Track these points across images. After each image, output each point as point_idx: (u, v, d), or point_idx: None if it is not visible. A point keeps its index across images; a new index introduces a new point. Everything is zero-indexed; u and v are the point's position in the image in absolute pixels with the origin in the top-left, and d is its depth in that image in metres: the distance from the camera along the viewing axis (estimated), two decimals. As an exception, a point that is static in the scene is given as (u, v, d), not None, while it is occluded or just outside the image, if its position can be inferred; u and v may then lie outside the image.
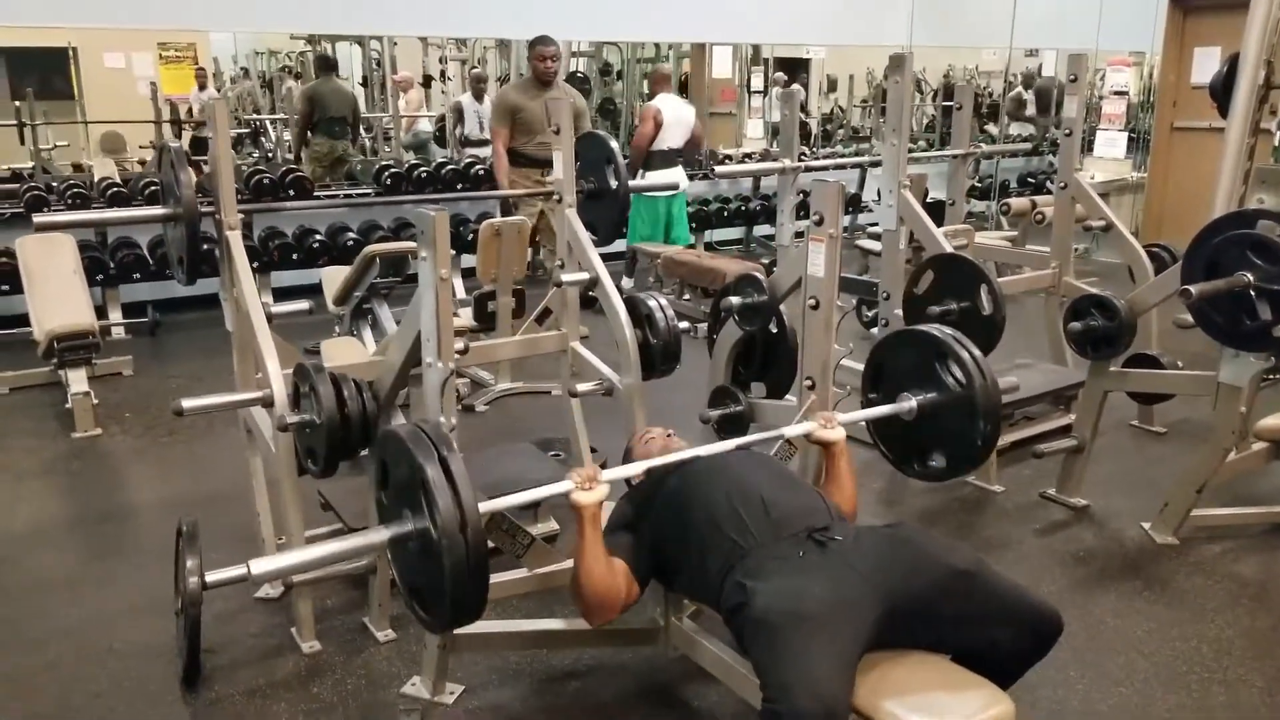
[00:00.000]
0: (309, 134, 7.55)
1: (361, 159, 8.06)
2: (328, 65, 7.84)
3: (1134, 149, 8.57)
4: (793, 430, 2.40)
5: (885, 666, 1.90)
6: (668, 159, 6.60)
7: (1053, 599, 2.07)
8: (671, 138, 6.60)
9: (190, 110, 8.20)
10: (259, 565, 1.82)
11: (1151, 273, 3.95)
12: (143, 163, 7.65)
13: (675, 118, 6.61)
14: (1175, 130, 7.92)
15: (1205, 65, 7.22)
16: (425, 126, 9.02)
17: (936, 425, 2.40)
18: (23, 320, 4.86)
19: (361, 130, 8.80)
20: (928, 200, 4.98)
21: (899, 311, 3.62)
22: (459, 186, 7.06)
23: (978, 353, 2.38)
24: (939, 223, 3.96)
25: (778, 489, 2.17)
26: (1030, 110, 10.80)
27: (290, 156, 7.72)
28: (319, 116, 7.47)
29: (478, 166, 7.12)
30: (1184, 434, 4.29)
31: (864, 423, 2.51)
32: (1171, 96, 7.93)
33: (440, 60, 9.15)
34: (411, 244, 3.18)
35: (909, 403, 2.41)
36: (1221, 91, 4.94)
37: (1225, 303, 2.99)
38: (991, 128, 10.81)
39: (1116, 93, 8.02)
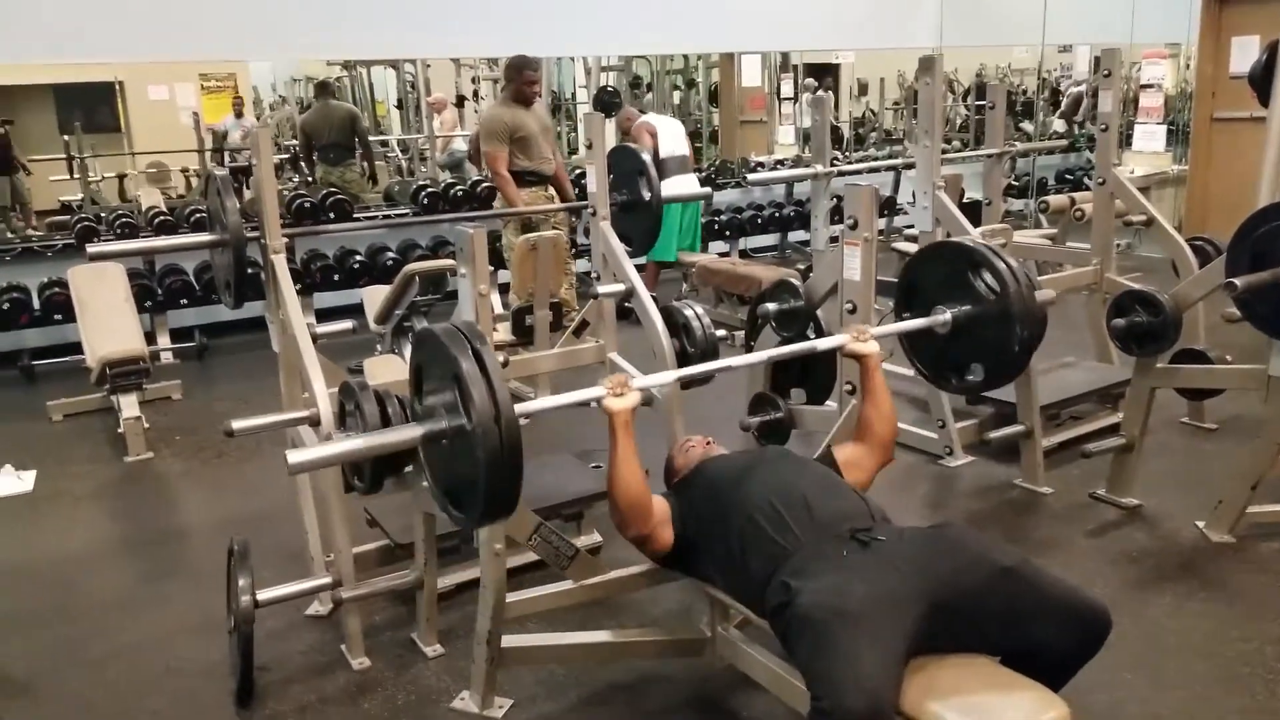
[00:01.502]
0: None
1: (400, 180, 8.15)
2: (323, 89, 7.77)
3: (1174, 142, 8.43)
4: (827, 343, 2.38)
5: (932, 670, 1.88)
6: (683, 165, 6.59)
7: (1105, 600, 2.02)
8: (676, 146, 6.58)
9: (221, 137, 8.34)
10: (296, 455, 1.79)
11: (1195, 266, 3.89)
12: (188, 190, 7.82)
13: (667, 130, 6.61)
14: (1215, 121, 7.77)
15: (1244, 54, 7.07)
16: (460, 146, 9.11)
17: (972, 337, 2.36)
18: (75, 348, 5.00)
19: (391, 149, 8.88)
20: (964, 200, 4.95)
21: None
22: (494, 204, 7.12)
23: (1012, 261, 2.35)
24: (976, 223, 3.93)
25: (820, 491, 2.17)
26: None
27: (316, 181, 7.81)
28: (314, 145, 7.43)
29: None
30: (1236, 430, 4.20)
31: (899, 337, 2.48)
32: (1210, 87, 7.79)
33: (473, 80, 9.25)
34: (449, 261, 3.22)
35: (943, 315, 2.38)
36: (1261, 80, 4.83)
37: (1272, 294, 2.92)
38: (1027, 125, 10.70)
39: (1152, 86, 7.90)
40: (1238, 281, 2.91)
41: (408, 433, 1.86)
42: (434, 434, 1.82)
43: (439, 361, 1.81)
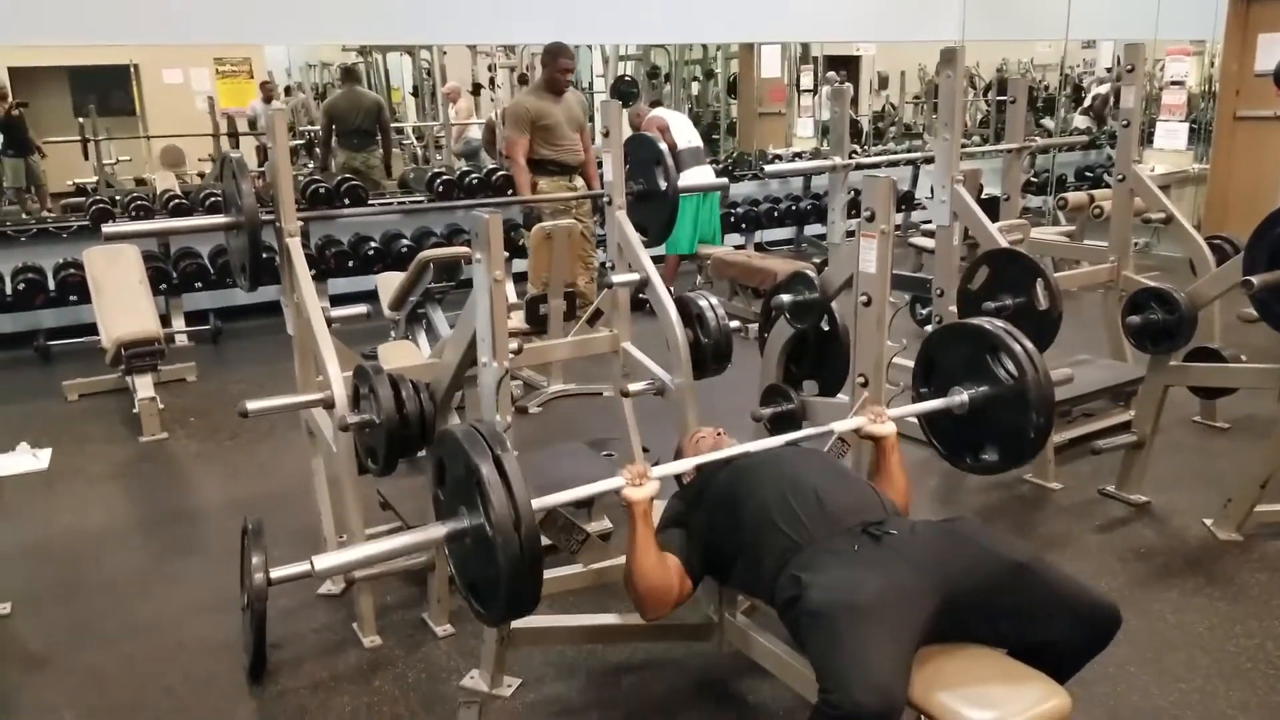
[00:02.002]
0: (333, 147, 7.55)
1: (415, 168, 8.17)
2: (350, 75, 7.78)
3: (1196, 140, 8.37)
4: (843, 425, 2.39)
5: (940, 660, 1.89)
6: (697, 156, 6.57)
7: (1113, 596, 2.04)
8: (690, 137, 6.57)
9: (251, 123, 8.36)
10: (322, 561, 1.86)
11: (1213, 265, 3.87)
12: (201, 175, 7.85)
13: (678, 123, 6.60)
14: (1238, 120, 7.72)
15: (1270, 52, 7.03)
16: (476, 134, 9.13)
17: (989, 419, 2.38)
18: (91, 329, 5.05)
19: (407, 137, 8.87)
20: (982, 196, 4.93)
21: (953, 308, 3.59)
22: (509, 192, 7.13)
23: (1030, 345, 2.36)
24: (994, 218, 3.92)
25: (831, 484, 2.17)
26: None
27: (335, 167, 7.83)
28: (339, 130, 7.45)
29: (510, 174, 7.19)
30: (1247, 429, 4.19)
31: (915, 418, 2.50)
32: (1234, 85, 7.73)
33: (489, 68, 9.25)
34: (464, 249, 3.23)
35: (960, 396, 2.39)
36: (1285, 78, 4.81)
37: (1289, 293, 2.92)
38: (1048, 121, 10.64)
39: (1175, 83, 7.84)
40: (1255, 280, 2.90)
41: (432, 533, 1.92)
42: (457, 533, 1.88)
43: (459, 462, 1.86)
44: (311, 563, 1.84)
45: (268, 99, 8.26)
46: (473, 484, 1.81)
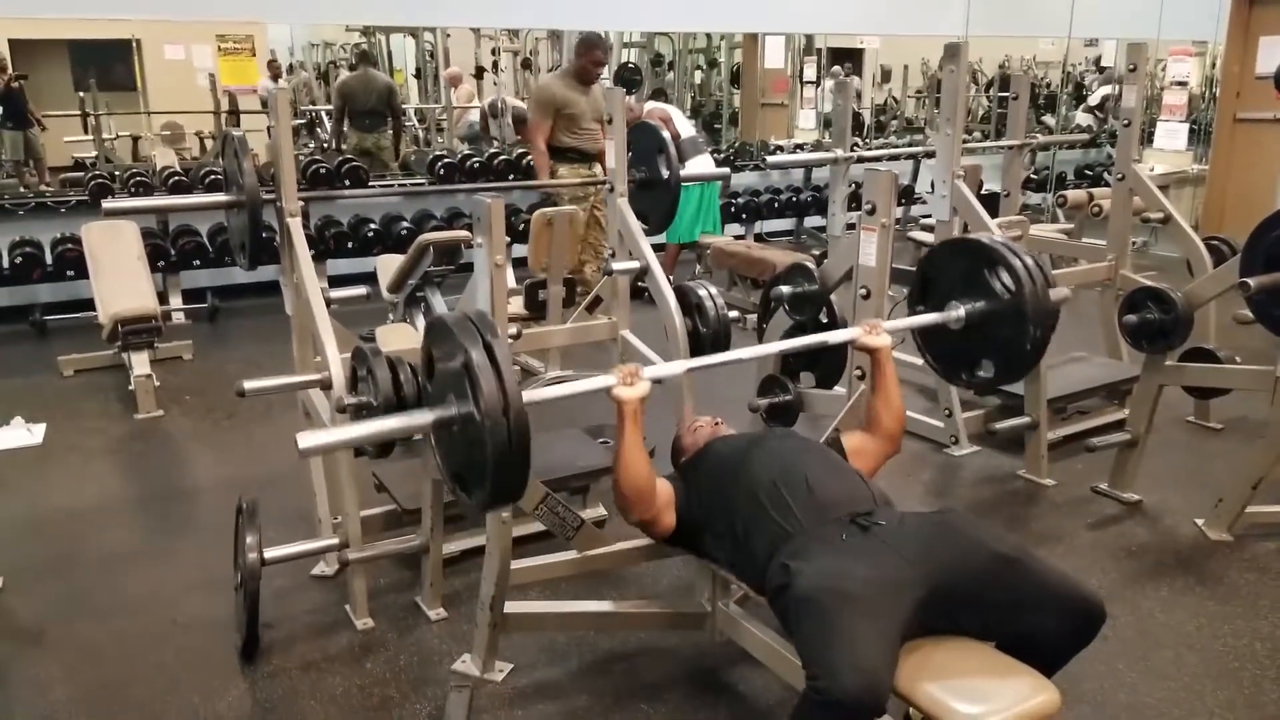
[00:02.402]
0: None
1: (416, 150, 8.15)
2: (364, 58, 7.82)
3: (1195, 141, 8.37)
4: (838, 336, 2.39)
5: (928, 651, 1.90)
6: (696, 146, 6.57)
7: (1103, 593, 2.06)
8: (686, 129, 6.56)
9: (263, 101, 8.30)
10: (307, 439, 1.80)
11: (1210, 266, 3.88)
12: (202, 152, 7.82)
13: (676, 115, 6.59)
14: (1238, 121, 7.72)
15: (1271, 55, 7.03)
16: (477, 118, 9.11)
17: (985, 334, 2.36)
18: (88, 304, 5.03)
19: (409, 119, 8.86)
20: (982, 192, 4.93)
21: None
22: (511, 177, 7.13)
23: (1029, 259, 2.34)
24: (993, 214, 3.93)
25: (823, 474, 2.19)
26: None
27: (346, 147, 7.82)
28: (350, 110, 7.49)
29: (529, 157, 7.18)
30: (1240, 430, 4.21)
31: (912, 333, 2.48)
32: (1235, 87, 7.73)
33: (493, 52, 9.22)
34: (464, 233, 3.23)
35: (956, 311, 2.38)
36: (1286, 81, 4.82)
37: (1286, 296, 2.93)
38: (1048, 119, 10.64)
39: (1177, 83, 7.84)
40: (1251, 282, 2.91)
41: (419, 419, 1.89)
42: (444, 420, 1.85)
43: (450, 350, 1.83)
44: (297, 439, 1.78)
45: (275, 78, 8.23)
46: (462, 369, 1.77)
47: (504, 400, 1.73)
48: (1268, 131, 7.30)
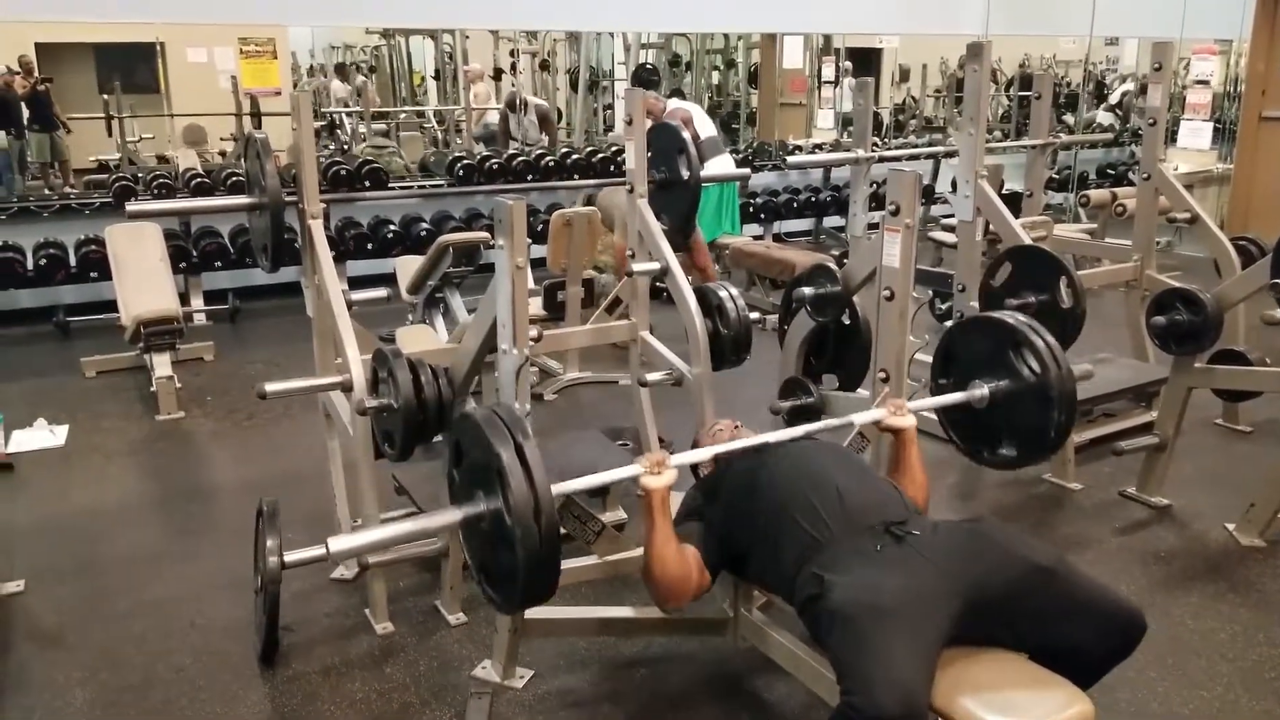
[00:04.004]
0: None
1: (435, 151, 8.17)
2: None
3: (1220, 139, 8.29)
4: (862, 418, 2.37)
5: (963, 663, 1.87)
6: (716, 146, 6.53)
7: (1133, 600, 2.01)
8: (707, 128, 6.52)
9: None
10: (337, 543, 1.84)
11: (1238, 266, 3.82)
12: (224, 154, 7.85)
13: (697, 114, 6.54)
14: (1264, 120, 7.63)
15: (1296, 52, 6.96)
16: (494, 118, 9.12)
17: (1008, 414, 2.34)
18: (110, 306, 5.06)
19: (430, 118, 8.90)
20: (1003, 191, 4.88)
21: (975, 304, 3.55)
22: (529, 177, 7.13)
23: (1052, 340, 2.32)
24: (1016, 214, 3.88)
25: (853, 481, 2.14)
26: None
27: (363, 148, 7.84)
28: None
29: (548, 158, 7.20)
30: (1271, 433, 4.15)
31: (934, 413, 2.47)
32: (1260, 85, 7.64)
33: (511, 53, 9.23)
34: (483, 234, 3.22)
35: (980, 390, 2.36)
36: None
37: (1318, 297, 2.88)
38: (1069, 118, 10.55)
39: (1200, 82, 7.76)
40: (1283, 283, 2.86)
41: (447, 518, 1.90)
42: (473, 518, 1.85)
43: (479, 447, 1.83)
44: (327, 545, 1.82)
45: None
46: (492, 470, 1.78)
47: (535, 504, 1.74)
48: (1295, 130, 7.22)
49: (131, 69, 8.15)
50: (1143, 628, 1.93)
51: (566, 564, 2.46)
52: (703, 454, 2.23)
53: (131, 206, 3.00)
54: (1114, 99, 11.07)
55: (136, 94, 7.89)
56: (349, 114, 9.02)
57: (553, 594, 1.88)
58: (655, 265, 3.16)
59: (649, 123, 5.18)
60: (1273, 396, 3.84)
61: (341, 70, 9.45)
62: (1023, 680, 1.87)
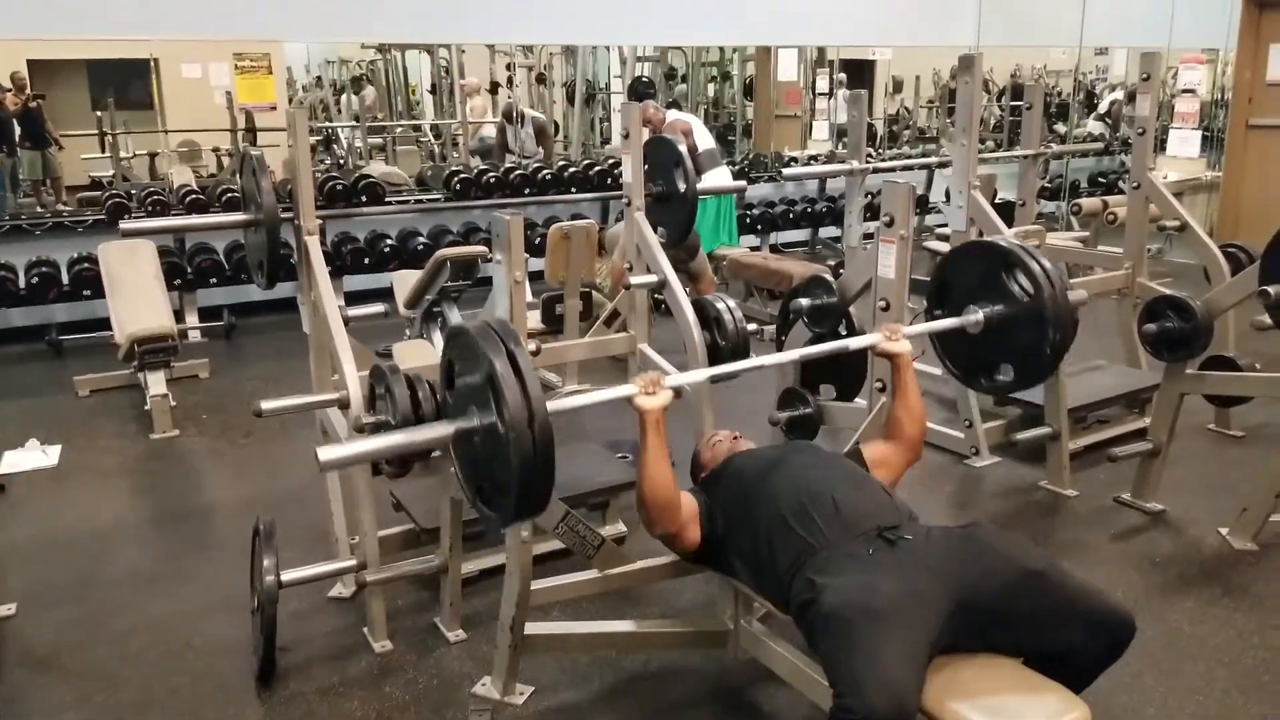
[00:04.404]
0: None
1: (432, 166, 8.18)
2: None
3: (1208, 147, 8.35)
4: (859, 342, 2.38)
5: (955, 668, 1.88)
6: (714, 159, 6.55)
7: (1128, 604, 2.03)
8: (706, 140, 6.54)
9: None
10: (326, 452, 1.78)
11: (1228, 273, 3.85)
12: (218, 169, 7.85)
13: (696, 126, 6.57)
14: (1251, 128, 7.70)
15: (1282, 61, 7.03)
16: (491, 132, 9.13)
17: (1004, 338, 2.35)
18: (104, 324, 5.04)
19: (427, 132, 8.92)
20: (996, 201, 4.91)
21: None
22: (526, 191, 7.15)
23: (1046, 262, 2.33)
24: (1009, 224, 3.91)
25: (847, 488, 2.16)
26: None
27: (361, 163, 7.84)
28: None
29: (545, 172, 7.21)
30: (1263, 438, 4.17)
31: (930, 338, 2.47)
32: (1247, 93, 7.71)
33: (508, 67, 9.25)
34: (481, 248, 3.23)
35: (975, 315, 2.36)
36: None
37: (1306, 303, 2.90)
38: (1060, 127, 10.61)
39: (1188, 91, 7.82)
40: (1272, 290, 2.89)
41: (440, 430, 1.86)
42: (465, 431, 1.82)
43: (472, 359, 1.80)
44: (316, 453, 1.76)
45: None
46: (485, 379, 1.74)
47: (529, 410, 1.70)
48: (1281, 137, 7.28)
49: (125, 85, 8.14)
50: (1132, 630, 1.95)
51: (567, 578, 2.48)
52: (698, 375, 2.32)
53: (125, 225, 3.02)
54: (1103, 108, 11.14)
55: (130, 110, 7.88)
56: (345, 128, 9.03)
57: (545, 506, 1.87)
58: (653, 278, 3.18)
59: (648, 134, 5.22)
60: (1263, 401, 3.86)
61: (357, 83, 9.48)
62: (1016, 685, 1.88)
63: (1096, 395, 4.00)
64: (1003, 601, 1.92)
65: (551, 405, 1.80)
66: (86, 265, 5.63)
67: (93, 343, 5.47)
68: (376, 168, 8.06)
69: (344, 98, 9.53)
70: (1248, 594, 3.00)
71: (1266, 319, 3.15)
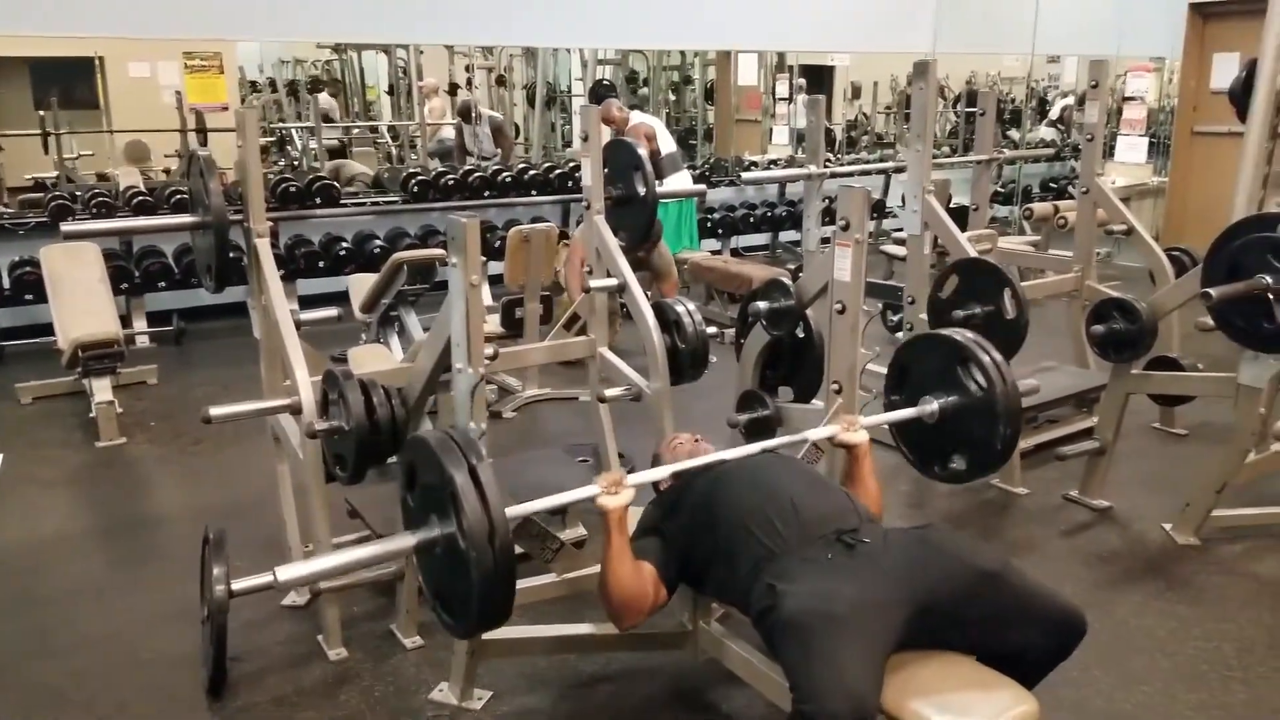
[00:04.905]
0: None
1: (389, 167, 8.11)
2: None
3: (1155, 154, 8.53)
4: (816, 433, 2.40)
5: (912, 666, 1.91)
6: (675, 163, 6.57)
7: (1076, 599, 2.07)
8: (668, 144, 6.57)
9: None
10: (286, 571, 1.81)
11: (1172, 276, 3.94)
12: (167, 171, 7.71)
13: (659, 128, 6.60)
14: (1195, 135, 7.89)
15: (1225, 70, 7.19)
16: (450, 134, 9.07)
17: (958, 428, 2.39)
18: (47, 329, 4.90)
19: (384, 134, 8.84)
20: (951, 205, 4.97)
21: (924, 316, 3.62)
22: (485, 194, 7.11)
23: (999, 356, 2.37)
24: (963, 228, 3.96)
25: (806, 491, 2.17)
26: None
27: (316, 165, 7.74)
28: None
29: (505, 174, 7.18)
30: (1205, 436, 4.27)
31: (886, 425, 2.51)
32: (1192, 101, 7.90)
33: (466, 69, 9.20)
34: (439, 251, 3.20)
35: (931, 406, 2.40)
36: (1241, 96, 4.92)
37: (1245, 305, 2.98)
38: (1013, 133, 10.79)
39: (1136, 98, 7.99)
40: (1213, 292, 2.95)
41: (401, 543, 1.89)
42: (428, 543, 1.84)
43: (432, 470, 1.82)
44: (274, 573, 1.79)
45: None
46: (446, 493, 1.77)
47: (489, 526, 1.73)
48: (1224, 144, 7.42)
49: (70, 84, 7.97)
50: (1083, 629, 1.99)
51: (525, 582, 2.45)
52: (660, 473, 2.24)
53: (66, 227, 2.94)
54: (1055, 114, 11.35)
55: (75, 110, 7.72)
56: (299, 130, 8.92)
57: (507, 618, 1.87)
58: (613, 281, 3.17)
59: (611, 133, 5.20)
60: (1207, 400, 3.95)
61: (316, 85, 9.33)
62: (970, 681, 1.92)
63: (1047, 395, 4.05)
64: (959, 604, 1.95)
65: (512, 511, 1.85)
66: (28, 269, 5.50)
67: (35, 349, 5.34)
68: (353, 166, 7.99)
69: (297, 98, 9.41)
70: (1189, 587, 3.08)
71: (1209, 320, 3.23)
